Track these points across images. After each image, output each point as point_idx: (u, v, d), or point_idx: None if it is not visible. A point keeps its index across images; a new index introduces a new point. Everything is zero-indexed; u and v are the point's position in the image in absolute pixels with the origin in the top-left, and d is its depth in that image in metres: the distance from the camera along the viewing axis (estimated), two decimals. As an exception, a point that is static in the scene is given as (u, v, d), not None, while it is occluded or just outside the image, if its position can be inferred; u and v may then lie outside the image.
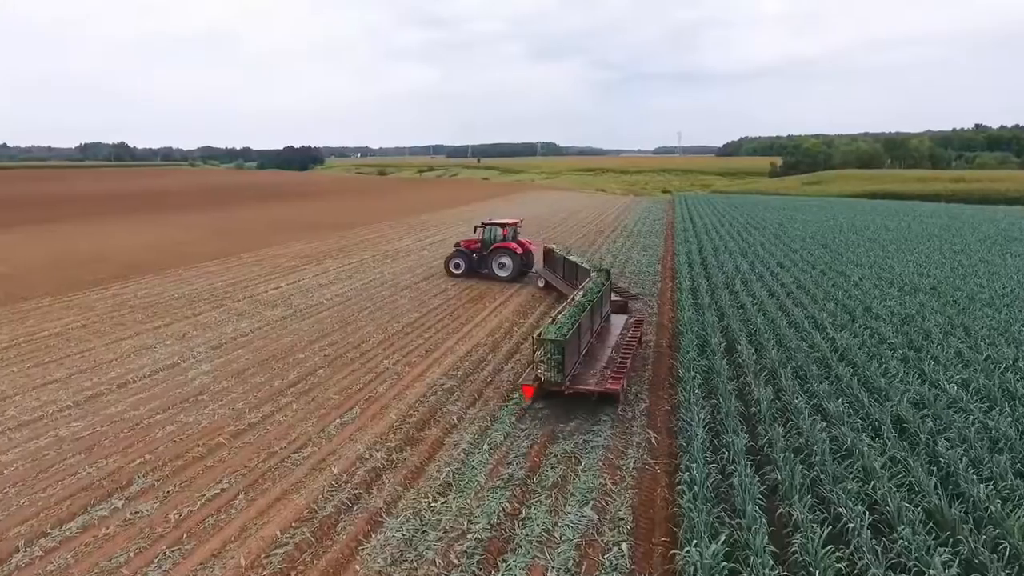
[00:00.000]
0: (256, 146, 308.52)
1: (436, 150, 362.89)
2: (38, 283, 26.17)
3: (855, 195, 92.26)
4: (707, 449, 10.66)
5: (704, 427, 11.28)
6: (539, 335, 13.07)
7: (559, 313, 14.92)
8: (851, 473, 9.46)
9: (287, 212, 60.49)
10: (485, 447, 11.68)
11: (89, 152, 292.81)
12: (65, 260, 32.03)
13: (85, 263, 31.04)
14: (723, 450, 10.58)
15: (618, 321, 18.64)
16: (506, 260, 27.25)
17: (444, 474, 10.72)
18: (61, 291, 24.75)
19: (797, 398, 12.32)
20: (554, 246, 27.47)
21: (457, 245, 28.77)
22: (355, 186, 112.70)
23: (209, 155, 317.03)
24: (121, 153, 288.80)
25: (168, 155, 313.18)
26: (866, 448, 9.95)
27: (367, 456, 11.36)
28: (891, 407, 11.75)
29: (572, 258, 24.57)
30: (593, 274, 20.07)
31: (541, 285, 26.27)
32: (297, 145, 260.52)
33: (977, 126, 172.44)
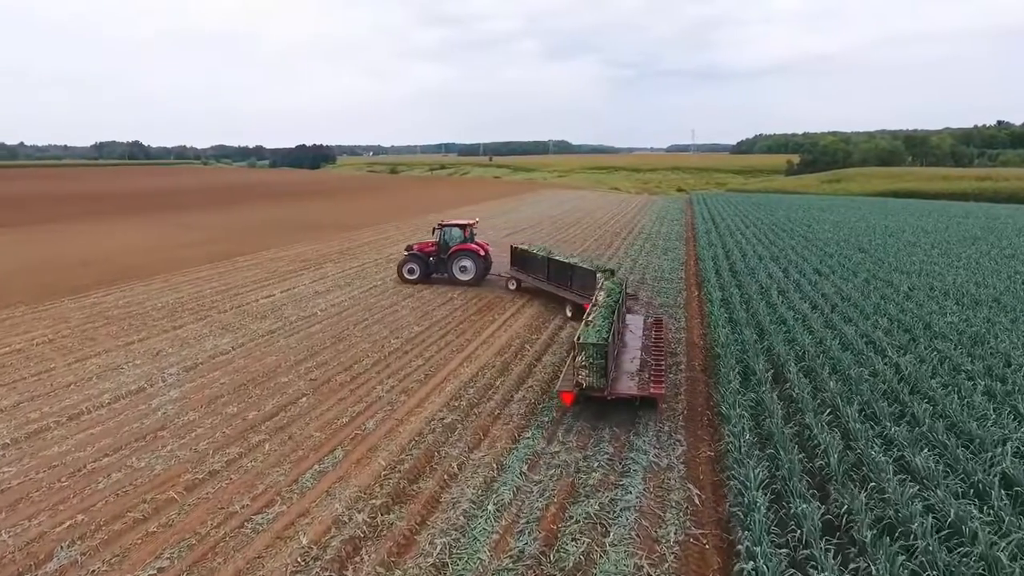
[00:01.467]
0: (269, 144, 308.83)
1: (448, 148, 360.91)
2: (17, 289, 24.42)
3: (876, 194, 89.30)
4: (770, 521, 8.45)
5: (761, 487, 9.07)
6: (579, 339, 12.63)
7: (589, 315, 14.53)
8: (968, 567, 7.20)
9: (293, 212, 58.76)
10: (490, 508, 9.53)
11: (104, 151, 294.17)
12: (53, 263, 30.34)
13: (72, 267, 29.33)
14: (791, 524, 8.34)
15: (633, 322, 17.85)
16: (468, 263, 25.42)
17: (438, 548, 8.57)
18: (38, 299, 22.96)
19: (872, 446, 10.06)
20: (525, 246, 25.74)
21: (409, 248, 26.56)
22: (365, 185, 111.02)
23: (223, 154, 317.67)
24: (135, 152, 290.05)
25: (182, 154, 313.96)
26: (979, 528, 7.67)
27: (345, 519, 9.25)
28: (993, 459, 9.46)
29: (560, 258, 22.94)
30: (599, 275, 19.55)
31: (512, 288, 24.61)
32: (310, 144, 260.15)
33: (999, 123, 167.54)
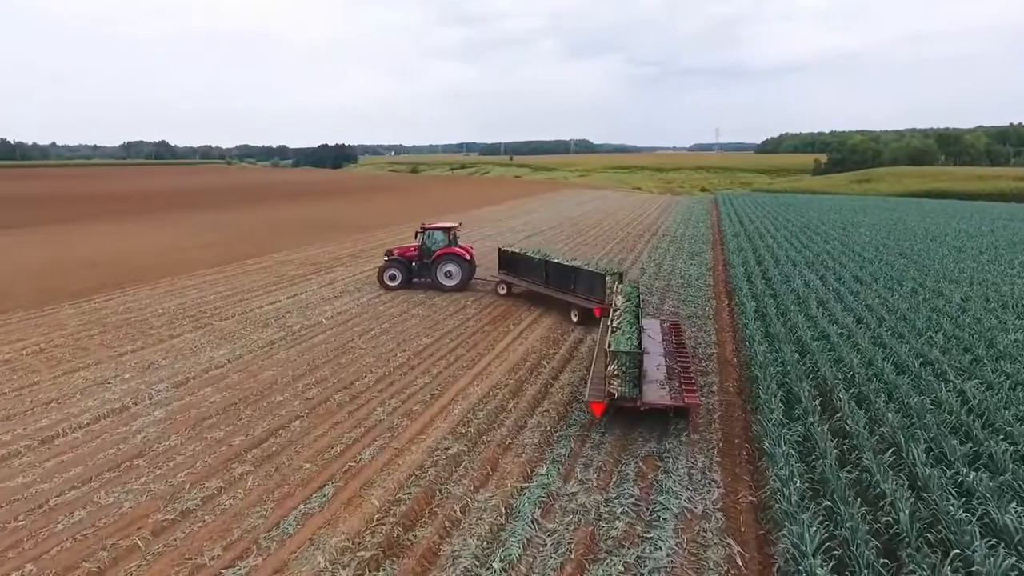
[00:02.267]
0: (292, 144, 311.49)
1: (469, 147, 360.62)
2: (20, 293, 23.72)
3: (908, 194, 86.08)
4: (833, 599, 6.96)
5: (820, 553, 7.58)
6: (610, 347, 12.23)
7: (613, 321, 14.13)
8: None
9: (311, 212, 58.01)
10: (496, 566, 8.17)
11: (132, 150, 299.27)
12: (62, 265, 29.72)
13: (80, 269, 28.64)
14: (861, 606, 6.85)
15: (650, 326, 16.97)
16: (453, 268, 24.24)
17: (433, 619, 7.25)
18: (39, 303, 22.19)
19: (947, 498, 8.50)
20: (516, 248, 24.77)
21: (389, 253, 25.32)
22: (384, 185, 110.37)
23: (247, 153, 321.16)
24: (161, 151, 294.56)
25: (207, 153, 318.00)
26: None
27: (328, 577, 7.98)
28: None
29: (559, 260, 22.03)
30: (608, 278, 19.23)
31: (502, 292, 23.61)
32: (332, 143, 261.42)
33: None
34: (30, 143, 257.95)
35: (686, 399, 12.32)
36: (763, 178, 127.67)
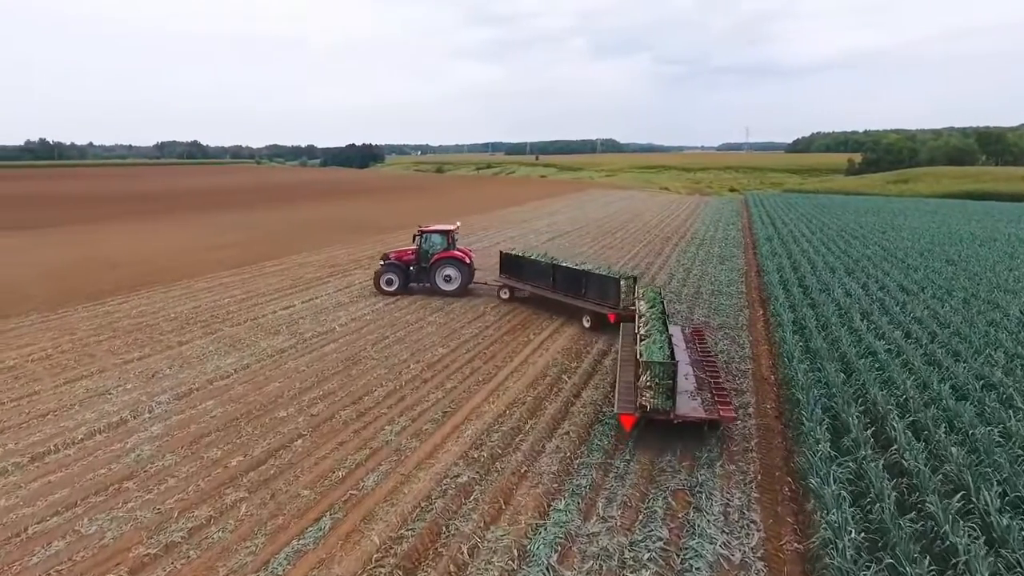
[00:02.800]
0: (321, 144, 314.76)
1: (495, 147, 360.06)
2: (37, 294, 23.51)
3: (948, 195, 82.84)
4: None
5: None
6: (641, 356, 11.58)
7: (641, 329, 13.47)
8: None
9: (334, 212, 57.77)
10: (505, 624, 7.22)
11: (165, 150, 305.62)
12: (83, 266, 29.61)
13: (100, 270, 28.47)
14: None
15: (672, 333, 15.67)
16: (452, 272, 23.41)
17: None
18: (53, 306, 21.90)
19: (1031, 557, 7.29)
20: (518, 251, 23.93)
21: (385, 257, 24.41)
22: (409, 184, 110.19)
23: (276, 153, 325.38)
24: (193, 151, 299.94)
25: (237, 153, 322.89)
26: None
27: (316, 631, 7.11)
28: None
29: (568, 264, 21.19)
30: (623, 282, 18.71)
31: (505, 296, 22.97)
32: (359, 143, 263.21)
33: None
34: (68, 143, 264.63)
35: (721, 412, 11.67)
36: (794, 178, 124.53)
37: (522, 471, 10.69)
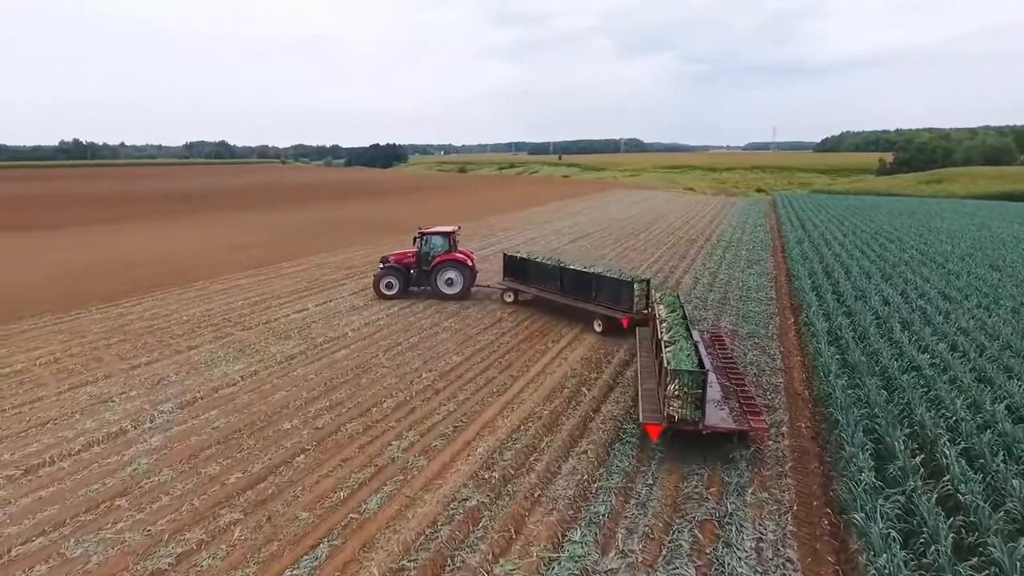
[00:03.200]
0: (345, 144, 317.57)
1: (518, 147, 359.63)
2: (52, 295, 23.41)
3: (984, 196, 79.83)
4: None
5: None
6: (669, 364, 11.15)
7: (664, 335, 13.05)
8: None
9: (356, 212, 57.58)
10: (511, 678, 6.47)
11: (194, 150, 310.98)
12: (101, 266, 29.61)
13: (117, 270, 28.41)
14: None
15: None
16: (454, 275, 22.75)
17: None
18: (68, 307, 21.74)
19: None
20: (523, 254, 23.29)
21: (385, 260, 23.70)
22: (431, 184, 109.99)
23: (301, 153, 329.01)
24: (221, 151, 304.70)
25: (264, 153, 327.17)
26: None
27: None
28: None
29: (576, 267, 20.56)
30: (636, 286, 18.20)
31: (508, 300, 22.52)
32: (383, 143, 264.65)
33: None
34: (101, 143, 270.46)
35: (752, 423, 11.24)
36: (823, 178, 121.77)
37: (535, 495, 9.93)
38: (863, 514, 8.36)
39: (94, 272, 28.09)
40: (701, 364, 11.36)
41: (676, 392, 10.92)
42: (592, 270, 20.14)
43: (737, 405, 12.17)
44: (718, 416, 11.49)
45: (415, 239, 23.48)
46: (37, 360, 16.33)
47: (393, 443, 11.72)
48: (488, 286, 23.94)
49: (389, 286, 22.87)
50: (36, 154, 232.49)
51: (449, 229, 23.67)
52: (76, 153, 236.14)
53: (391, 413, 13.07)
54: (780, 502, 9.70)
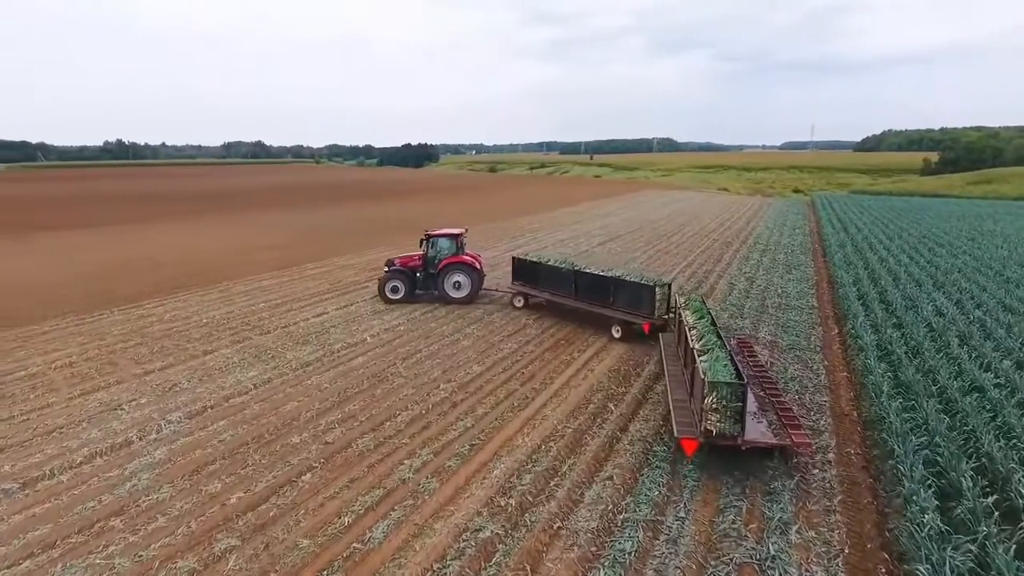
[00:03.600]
0: (378, 144, 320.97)
1: (549, 147, 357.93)
2: (76, 296, 23.41)
3: (1038, 198, 75.77)
4: None
5: None
6: (706, 376, 10.44)
7: (695, 343, 12.31)
8: None
9: (384, 212, 57.35)
10: None
11: (232, 150, 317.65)
12: (128, 265, 29.70)
13: (144, 270, 28.44)
14: None
15: None
16: (461, 278, 22.00)
17: None
18: (90, 308, 21.67)
19: None
20: (534, 257, 22.32)
21: (390, 264, 22.91)
22: (461, 184, 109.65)
23: (335, 152, 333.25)
24: (257, 151, 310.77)
25: (298, 152, 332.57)
26: None
27: None
28: None
29: (592, 271, 19.70)
30: (658, 290, 17.40)
31: (519, 305, 21.69)
32: (415, 143, 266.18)
33: None
34: (142, 143, 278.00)
35: (794, 438, 10.68)
36: (863, 178, 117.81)
37: (555, 527, 9.07)
38: (928, 565, 7.30)
39: (122, 271, 28.15)
40: (739, 374, 10.61)
41: (714, 405, 10.28)
42: (610, 273, 19.32)
43: (775, 418, 11.53)
44: (757, 430, 10.91)
45: (421, 241, 22.82)
46: (53, 363, 16.10)
47: (405, 462, 11.00)
48: (496, 290, 23.15)
49: (395, 290, 22.22)
50: (82, 154, 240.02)
51: (456, 231, 22.97)
52: (119, 153, 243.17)
53: (405, 428, 12.35)
54: (829, 543, 8.66)
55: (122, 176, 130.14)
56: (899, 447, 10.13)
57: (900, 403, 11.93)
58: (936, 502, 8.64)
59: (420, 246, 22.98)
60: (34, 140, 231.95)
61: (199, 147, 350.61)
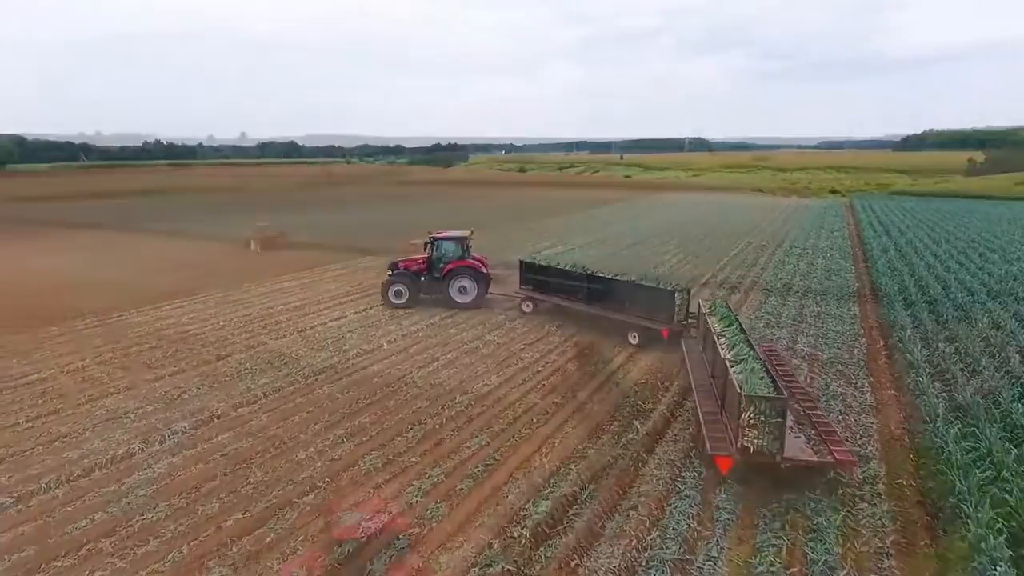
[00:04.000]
0: (409, 143, 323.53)
1: (579, 146, 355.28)
2: (98, 297, 23.35)
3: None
4: None
5: None
6: (743, 390, 9.81)
7: (726, 352, 11.67)
8: None
9: (410, 211, 57.03)
10: None
11: (267, 150, 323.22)
12: (155, 266, 29.82)
13: (171, 270, 28.53)
14: None
15: None
16: (467, 282, 21.23)
17: None
18: (110, 309, 21.54)
19: None
20: (543, 260, 21.95)
21: (393, 267, 22.15)
22: (489, 183, 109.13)
23: (366, 152, 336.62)
24: (290, 151, 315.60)
25: (330, 152, 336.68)
26: None
27: None
28: None
29: (605, 275, 19.17)
30: (677, 295, 16.78)
31: (528, 310, 20.88)
32: (445, 142, 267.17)
33: None
34: (180, 143, 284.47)
35: (836, 455, 9.98)
36: (904, 179, 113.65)
37: (572, 566, 8.24)
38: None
39: (149, 271, 28.20)
40: (776, 387, 9.90)
41: (751, 421, 9.64)
42: (626, 278, 18.69)
43: (813, 432, 10.87)
44: (796, 446, 10.22)
45: (426, 244, 22.14)
46: (65, 368, 15.85)
47: (414, 483, 10.29)
48: (503, 294, 22.35)
49: (398, 294, 21.52)
50: (122, 154, 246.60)
51: (461, 234, 22.24)
52: (158, 152, 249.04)
53: (416, 445, 11.65)
54: (880, 594, 7.67)
55: (159, 174, 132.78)
56: (960, 482, 9.04)
57: (958, 429, 10.79)
58: (1009, 551, 7.57)
59: (424, 248, 22.33)
60: (83, 134, 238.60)
61: (235, 147, 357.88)
